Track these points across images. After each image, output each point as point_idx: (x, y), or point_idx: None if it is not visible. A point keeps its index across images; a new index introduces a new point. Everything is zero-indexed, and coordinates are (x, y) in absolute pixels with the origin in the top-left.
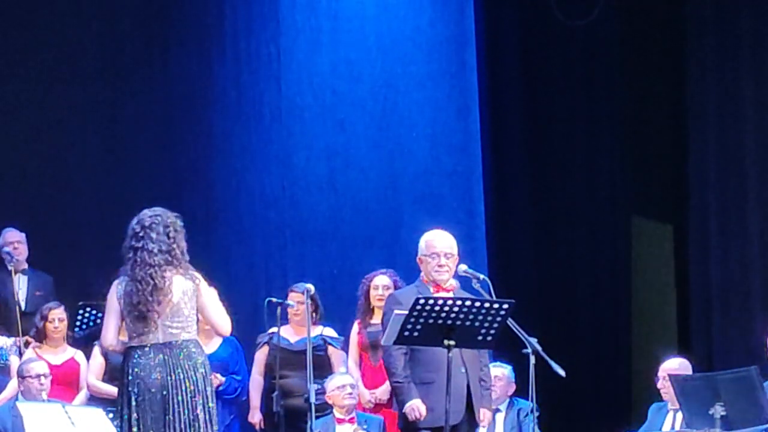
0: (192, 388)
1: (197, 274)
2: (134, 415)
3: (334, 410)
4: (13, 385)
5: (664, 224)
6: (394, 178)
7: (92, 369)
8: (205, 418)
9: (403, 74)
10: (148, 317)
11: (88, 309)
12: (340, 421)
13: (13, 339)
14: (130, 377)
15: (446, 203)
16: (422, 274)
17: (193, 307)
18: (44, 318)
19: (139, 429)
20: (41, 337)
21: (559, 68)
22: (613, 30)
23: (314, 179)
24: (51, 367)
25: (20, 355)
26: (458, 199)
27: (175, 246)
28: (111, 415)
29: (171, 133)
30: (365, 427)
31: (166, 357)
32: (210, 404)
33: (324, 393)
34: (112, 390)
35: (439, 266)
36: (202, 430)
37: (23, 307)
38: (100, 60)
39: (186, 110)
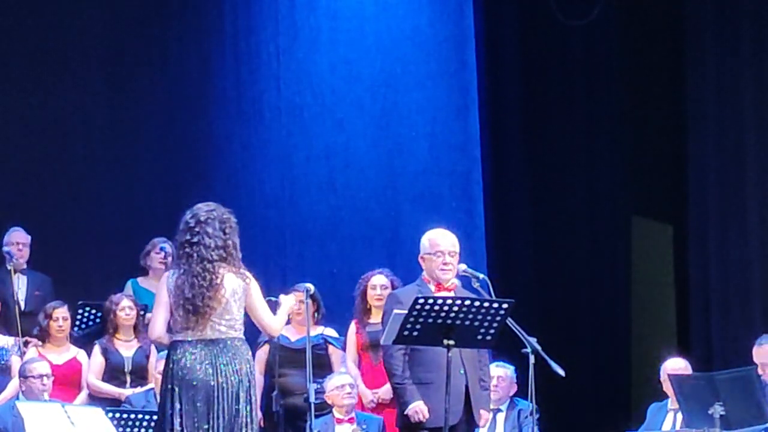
0: (236, 382)
1: (248, 273)
2: (177, 409)
3: (334, 410)
4: (14, 384)
5: (664, 224)
6: (394, 177)
7: (92, 368)
8: (247, 413)
9: (403, 74)
10: (201, 312)
11: (87, 309)
12: (340, 420)
13: (14, 339)
14: (175, 371)
15: (445, 203)
16: (423, 272)
17: (242, 306)
18: (48, 317)
19: (182, 422)
20: (44, 336)
21: (559, 68)
22: (613, 30)
23: (314, 179)
24: (52, 366)
25: (21, 355)
26: (457, 199)
27: (230, 242)
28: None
29: (171, 133)
30: (364, 426)
31: (212, 353)
32: (253, 400)
33: (324, 392)
34: (111, 390)
35: (444, 264)
36: (243, 424)
37: (22, 307)
38: (100, 60)
39: (186, 110)
